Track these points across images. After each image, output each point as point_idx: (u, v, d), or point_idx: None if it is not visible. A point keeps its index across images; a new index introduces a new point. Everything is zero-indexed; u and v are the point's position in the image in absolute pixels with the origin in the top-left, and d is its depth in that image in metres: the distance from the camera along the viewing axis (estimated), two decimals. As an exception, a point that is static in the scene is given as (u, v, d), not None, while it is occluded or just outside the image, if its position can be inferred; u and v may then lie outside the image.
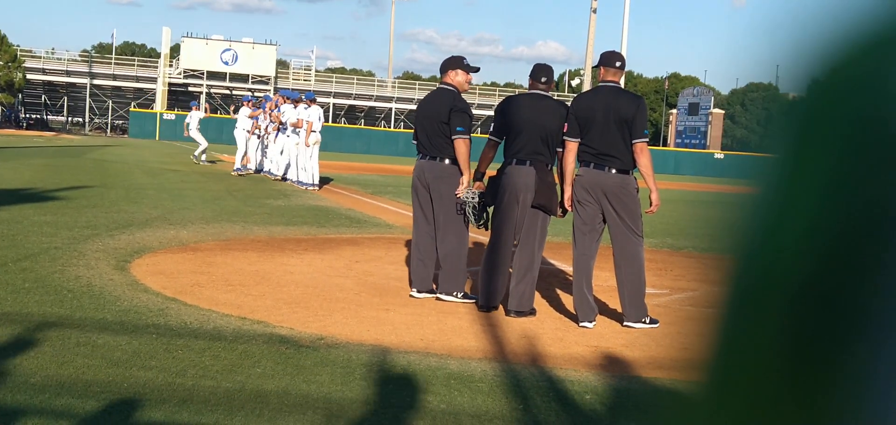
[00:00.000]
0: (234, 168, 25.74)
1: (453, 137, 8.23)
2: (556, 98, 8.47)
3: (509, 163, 7.90)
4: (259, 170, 26.30)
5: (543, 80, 8.05)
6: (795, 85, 0.56)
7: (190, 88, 72.72)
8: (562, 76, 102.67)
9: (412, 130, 9.06)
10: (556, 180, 7.93)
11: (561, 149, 7.80)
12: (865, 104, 0.51)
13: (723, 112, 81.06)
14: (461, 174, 8.22)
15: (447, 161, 8.29)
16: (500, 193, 7.91)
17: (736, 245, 0.57)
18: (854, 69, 0.52)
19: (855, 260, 0.50)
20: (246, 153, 26.13)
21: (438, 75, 8.75)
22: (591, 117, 7.54)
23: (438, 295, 8.30)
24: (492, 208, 8.10)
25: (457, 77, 8.50)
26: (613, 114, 7.47)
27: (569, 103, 7.97)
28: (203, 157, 29.93)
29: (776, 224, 0.54)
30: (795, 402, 0.53)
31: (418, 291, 8.35)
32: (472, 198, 8.11)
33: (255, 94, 38.75)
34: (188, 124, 30.76)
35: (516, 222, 7.85)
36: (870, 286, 0.49)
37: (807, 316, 0.51)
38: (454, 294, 8.23)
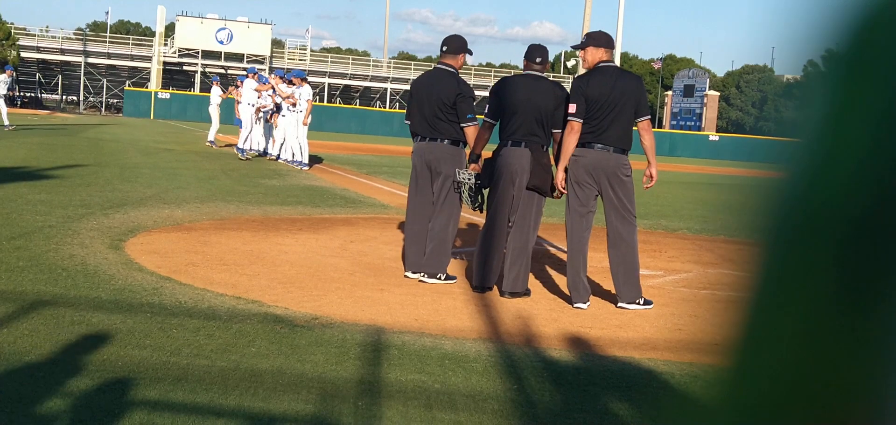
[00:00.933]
0: (238, 148, 25.23)
1: (464, 125, 8.23)
2: (551, 79, 8.44)
3: (505, 145, 7.89)
4: (263, 153, 25.37)
5: (538, 60, 8.02)
6: (794, 66, 0.55)
7: (185, 67, 72.57)
8: (557, 57, 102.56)
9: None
10: (552, 162, 7.91)
11: (557, 130, 7.77)
12: None
13: (718, 94, 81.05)
14: (464, 144, 8.25)
15: (447, 142, 8.26)
16: (495, 175, 7.90)
17: (773, 221, 0.56)
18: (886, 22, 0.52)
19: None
20: (250, 133, 25.47)
21: (434, 54, 8.69)
22: (598, 98, 7.49)
23: (422, 278, 8.24)
24: (487, 190, 8.10)
25: (459, 60, 8.47)
26: (620, 95, 7.46)
27: (565, 85, 7.95)
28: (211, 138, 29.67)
29: (826, 164, 0.53)
30: (841, 354, 0.52)
31: (413, 272, 8.34)
32: (469, 179, 8.10)
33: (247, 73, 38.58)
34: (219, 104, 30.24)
35: (511, 204, 7.85)
36: None
37: (858, 254, 0.51)
38: (438, 276, 8.20)
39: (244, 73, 28.71)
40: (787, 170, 0.56)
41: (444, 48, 8.52)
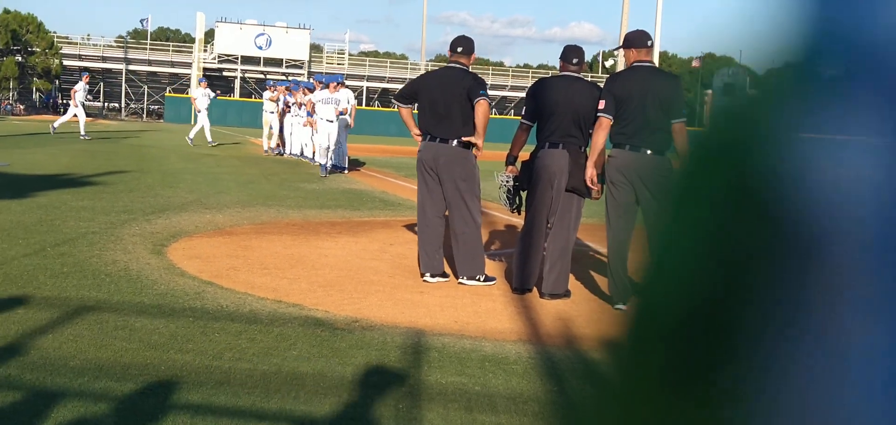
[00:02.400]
0: (275, 151, 26.68)
1: (476, 100, 8.00)
2: (588, 80, 8.38)
3: (542, 147, 7.86)
4: (280, 153, 26.80)
5: (575, 61, 7.98)
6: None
7: (224, 73, 73.06)
8: (595, 57, 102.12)
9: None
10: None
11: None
12: (732, 168, 0.59)
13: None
14: (473, 146, 8.10)
15: (455, 143, 8.14)
16: (534, 177, 7.87)
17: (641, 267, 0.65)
18: (725, 128, 0.62)
19: (725, 297, 0.57)
20: (280, 135, 26.70)
21: (448, 54, 8.52)
22: (627, 97, 7.45)
23: (461, 280, 8.19)
24: (525, 192, 8.07)
25: (469, 60, 8.37)
26: (651, 95, 7.40)
27: (601, 85, 7.90)
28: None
29: (659, 266, 0.63)
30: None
31: (431, 276, 8.26)
32: (506, 182, 8.08)
33: (289, 77, 38.82)
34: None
35: (550, 206, 7.82)
36: (737, 320, 0.57)
37: (684, 343, 0.59)
38: (477, 277, 8.16)
39: (283, 77, 29.24)
40: (653, 237, 0.65)
41: (459, 48, 8.39)
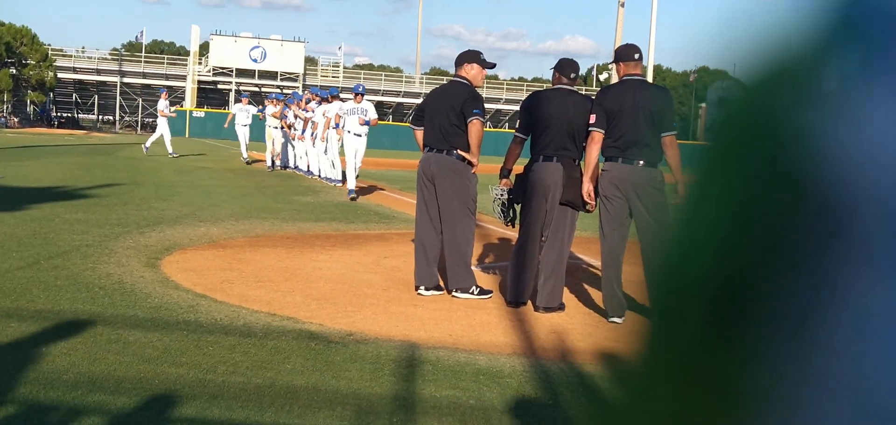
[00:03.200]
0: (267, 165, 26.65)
1: (469, 119, 8.07)
2: (582, 93, 8.40)
3: (536, 160, 7.87)
4: (285, 166, 26.66)
5: (571, 75, 8.00)
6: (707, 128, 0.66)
7: (219, 86, 73.08)
8: (589, 70, 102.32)
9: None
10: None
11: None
12: (761, 132, 0.61)
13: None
14: (470, 163, 8.12)
15: (455, 155, 8.18)
16: (527, 190, 7.87)
17: (659, 268, 0.67)
18: (751, 100, 0.63)
19: (750, 280, 0.59)
20: (274, 148, 26.67)
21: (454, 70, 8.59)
22: (618, 111, 7.48)
23: (453, 293, 8.19)
24: (519, 205, 8.07)
25: (472, 70, 8.35)
26: (641, 108, 7.42)
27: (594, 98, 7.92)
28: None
29: (689, 240, 0.63)
30: (704, 403, 0.62)
31: (425, 289, 8.25)
32: (501, 195, 8.08)
33: (283, 90, 38.73)
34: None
35: (544, 219, 7.82)
36: (763, 308, 0.58)
37: (716, 314, 0.60)
38: (470, 290, 8.16)
39: (277, 90, 29.13)
40: (673, 230, 0.66)
41: (463, 62, 8.40)
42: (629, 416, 0.68)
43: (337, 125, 20.10)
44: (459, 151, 8.12)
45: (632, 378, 0.68)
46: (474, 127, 8.09)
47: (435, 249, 8.26)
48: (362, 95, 19.49)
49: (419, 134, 8.54)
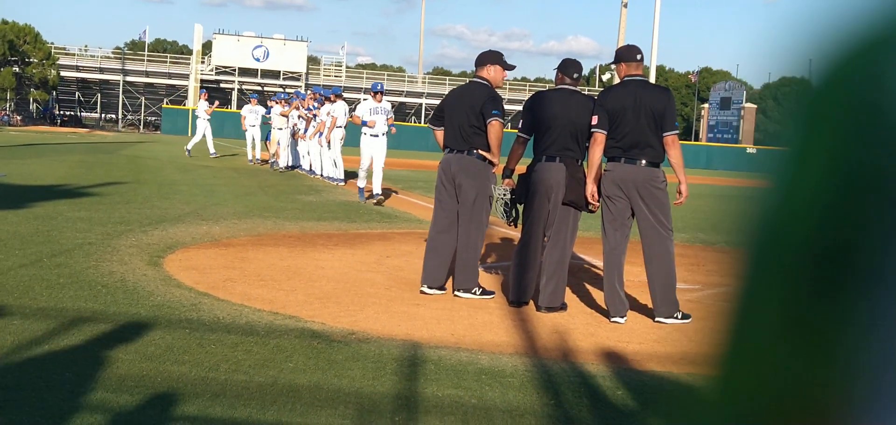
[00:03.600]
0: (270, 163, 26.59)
1: (488, 120, 8.11)
2: (585, 93, 8.41)
3: (539, 160, 7.87)
4: (293, 167, 26.32)
5: (574, 75, 8.02)
6: (803, 94, 0.65)
7: (222, 85, 73.11)
8: (592, 70, 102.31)
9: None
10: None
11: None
12: (865, 96, 0.60)
13: (755, 106, 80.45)
14: (490, 163, 8.17)
15: (475, 155, 8.23)
16: (530, 191, 7.88)
17: (753, 230, 0.67)
18: (855, 65, 0.62)
19: (858, 239, 0.59)
20: (277, 147, 26.55)
21: (469, 70, 8.65)
22: (620, 111, 7.49)
23: (456, 292, 8.21)
24: (522, 205, 8.07)
25: (492, 71, 8.41)
26: (643, 108, 7.43)
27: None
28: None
29: (789, 207, 0.64)
30: (804, 379, 0.62)
31: (429, 287, 8.26)
32: (503, 195, 8.08)
33: (286, 90, 38.57)
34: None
35: (547, 219, 7.83)
36: (871, 266, 0.59)
37: (830, 265, 0.60)
38: (473, 291, 8.17)
39: (280, 89, 28.92)
40: (769, 183, 0.66)
41: (481, 62, 8.45)
42: (730, 378, 0.68)
43: (365, 122, 18.50)
44: (480, 151, 8.15)
45: (715, 378, 0.68)
46: (494, 128, 8.13)
47: (448, 251, 8.27)
48: (382, 94, 18.34)
49: (439, 134, 8.57)
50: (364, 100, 18.66)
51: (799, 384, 0.62)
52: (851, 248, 0.59)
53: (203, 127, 30.85)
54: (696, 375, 0.72)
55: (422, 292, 8.23)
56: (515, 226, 8.32)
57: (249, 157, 28.81)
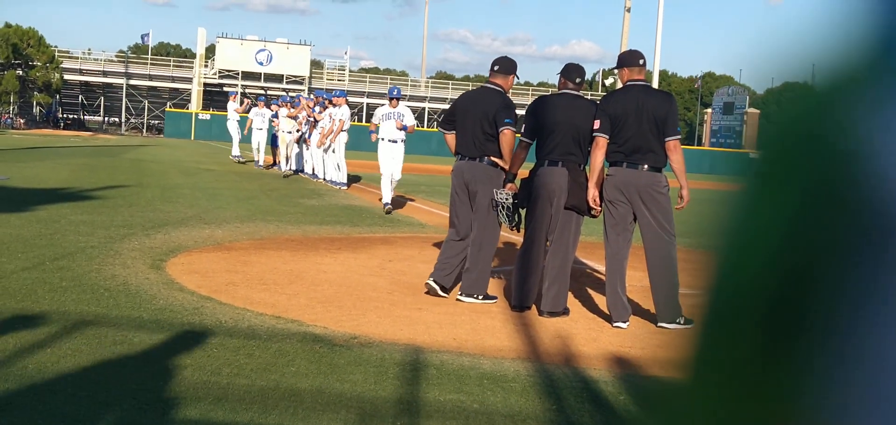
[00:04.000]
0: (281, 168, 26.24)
1: (501, 128, 8.14)
2: (588, 98, 8.42)
3: (542, 165, 7.88)
4: (296, 171, 26.01)
5: (577, 80, 8.03)
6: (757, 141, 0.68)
7: (225, 88, 73.15)
8: (594, 75, 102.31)
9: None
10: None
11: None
12: (817, 151, 0.62)
13: (758, 111, 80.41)
14: (502, 169, 8.20)
15: (487, 162, 8.24)
16: (533, 195, 7.88)
17: (721, 242, 0.70)
18: (809, 115, 0.64)
19: (808, 280, 0.61)
20: (284, 153, 26.32)
21: (472, 74, 8.72)
22: (622, 116, 7.49)
23: (459, 297, 8.21)
24: (524, 210, 8.08)
25: (508, 81, 8.49)
26: (645, 113, 7.43)
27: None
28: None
29: (743, 246, 0.66)
30: (762, 400, 0.63)
31: (434, 281, 8.31)
32: (506, 199, 8.09)
33: (289, 93, 38.35)
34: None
35: (549, 223, 7.83)
36: (820, 302, 0.60)
37: (767, 326, 0.63)
38: (476, 296, 8.17)
39: (283, 93, 28.63)
40: (722, 239, 0.69)
41: (496, 68, 8.47)
42: (684, 420, 0.69)
43: (373, 132, 17.72)
44: (492, 158, 8.17)
45: (685, 384, 0.71)
46: (506, 136, 8.18)
47: (458, 256, 8.31)
48: (398, 99, 17.34)
49: (450, 138, 8.60)
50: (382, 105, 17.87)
51: (765, 394, 0.63)
52: (796, 296, 0.61)
53: (235, 128, 30.27)
54: (669, 378, 0.73)
55: (426, 283, 8.28)
56: (518, 231, 8.33)
57: (256, 160, 28.68)
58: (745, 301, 0.64)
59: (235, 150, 30.21)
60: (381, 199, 16.92)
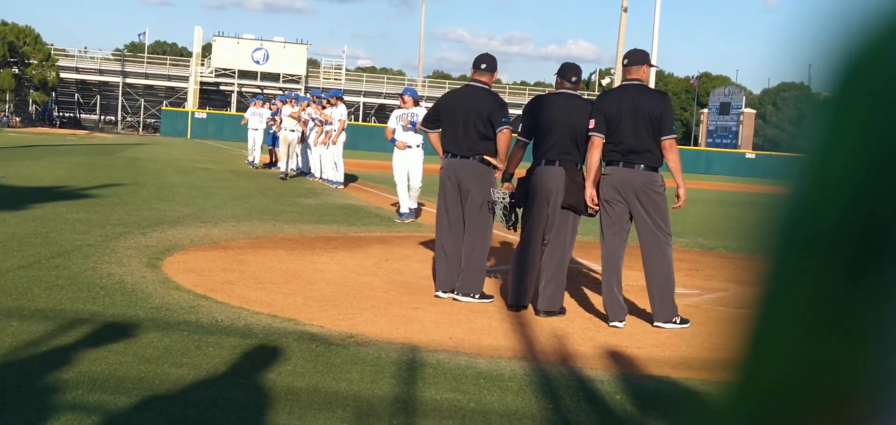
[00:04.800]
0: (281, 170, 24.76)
1: (499, 129, 8.16)
2: (585, 97, 8.43)
3: (539, 164, 7.88)
4: (305, 172, 25.17)
5: (574, 79, 8.03)
6: (826, 82, 0.64)
7: (221, 87, 73.13)
8: (591, 75, 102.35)
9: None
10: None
11: None
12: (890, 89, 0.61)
13: (754, 111, 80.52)
14: (496, 168, 8.20)
15: (478, 160, 8.23)
16: (530, 194, 7.88)
17: (780, 219, 0.66)
18: (886, 44, 0.61)
19: (891, 218, 0.60)
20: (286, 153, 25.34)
21: (469, 73, 8.65)
22: (617, 115, 7.49)
23: (456, 296, 8.22)
24: (521, 209, 8.08)
25: (492, 78, 8.53)
26: (641, 113, 7.43)
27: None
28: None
29: (820, 188, 0.63)
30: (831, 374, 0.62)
31: (443, 292, 8.32)
32: (502, 198, 8.08)
33: (286, 92, 37.99)
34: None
35: (546, 223, 7.83)
36: None
37: (856, 265, 0.61)
38: (472, 295, 8.17)
39: (281, 92, 28.15)
40: (795, 187, 0.65)
41: (483, 65, 8.46)
42: (758, 365, 0.67)
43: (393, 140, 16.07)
44: (485, 156, 8.17)
45: (756, 328, 0.67)
46: (505, 136, 8.21)
47: (456, 254, 8.29)
48: (416, 100, 15.72)
49: (434, 136, 8.61)
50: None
51: (827, 377, 0.61)
52: (884, 229, 0.60)
53: (254, 134, 28.81)
54: (711, 382, 0.71)
55: (437, 296, 8.26)
56: (514, 230, 8.33)
57: (251, 160, 28.30)
58: (827, 234, 0.62)
59: (254, 159, 28.64)
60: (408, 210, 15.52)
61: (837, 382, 0.61)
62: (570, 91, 7.97)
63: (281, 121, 25.41)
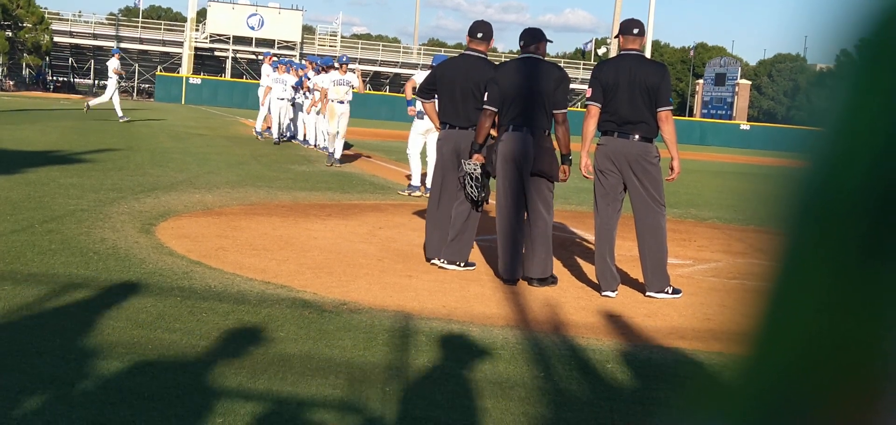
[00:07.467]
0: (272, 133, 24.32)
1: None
2: (550, 61, 8.32)
3: (506, 130, 7.79)
4: (292, 137, 25.14)
5: (532, 46, 7.90)
6: (826, 56, 0.63)
7: (216, 53, 72.81)
8: (587, 44, 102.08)
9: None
10: (555, 146, 7.84)
11: (558, 111, 7.71)
12: None
13: (749, 83, 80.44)
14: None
15: (473, 130, 8.18)
16: (499, 163, 7.78)
17: (800, 186, 0.64)
18: None
19: None
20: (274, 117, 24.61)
21: (465, 41, 8.60)
22: (614, 85, 7.46)
23: (442, 263, 8.20)
24: (494, 179, 7.97)
25: (488, 46, 8.49)
26: (638, 83, 7.40)
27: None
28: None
29: (842, 151, 0.62)
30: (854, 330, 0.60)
31: (437, 259, 8.32)
32: (474, 169, 7.94)
33: (280, 58, 37.53)
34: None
35: (520, 189, 7.71)
36: None
37: (876, 240, 0.59)
38: (458, 263, 8.17)
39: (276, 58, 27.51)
40: (811, 159, 0.64)
41: (479, 34, 8.40)
42: (773, 341, 0.65)
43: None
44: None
45: (771, 303, 0.66)
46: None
47: (448, 225, 8.27)
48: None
49: (430, 107, 8.57)
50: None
51: (844, 355, 0.60)
52: None
53: (280, 104, 25.66)
54: (719, 355, 0.71)
55: (431, 263, 8.26)
56: (487, 203, 8.21)
57: (259, 131, 26.08)
58: (847, 206, 0.61)
59: (269, 132, 25.49)
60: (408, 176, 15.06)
61: (855, 360, 0.60)
62: (535, 55, 7.85)
63: (310, 92, 22.84)
